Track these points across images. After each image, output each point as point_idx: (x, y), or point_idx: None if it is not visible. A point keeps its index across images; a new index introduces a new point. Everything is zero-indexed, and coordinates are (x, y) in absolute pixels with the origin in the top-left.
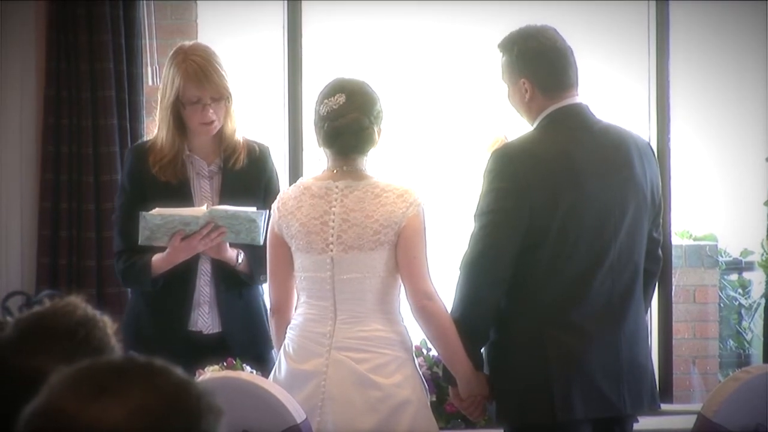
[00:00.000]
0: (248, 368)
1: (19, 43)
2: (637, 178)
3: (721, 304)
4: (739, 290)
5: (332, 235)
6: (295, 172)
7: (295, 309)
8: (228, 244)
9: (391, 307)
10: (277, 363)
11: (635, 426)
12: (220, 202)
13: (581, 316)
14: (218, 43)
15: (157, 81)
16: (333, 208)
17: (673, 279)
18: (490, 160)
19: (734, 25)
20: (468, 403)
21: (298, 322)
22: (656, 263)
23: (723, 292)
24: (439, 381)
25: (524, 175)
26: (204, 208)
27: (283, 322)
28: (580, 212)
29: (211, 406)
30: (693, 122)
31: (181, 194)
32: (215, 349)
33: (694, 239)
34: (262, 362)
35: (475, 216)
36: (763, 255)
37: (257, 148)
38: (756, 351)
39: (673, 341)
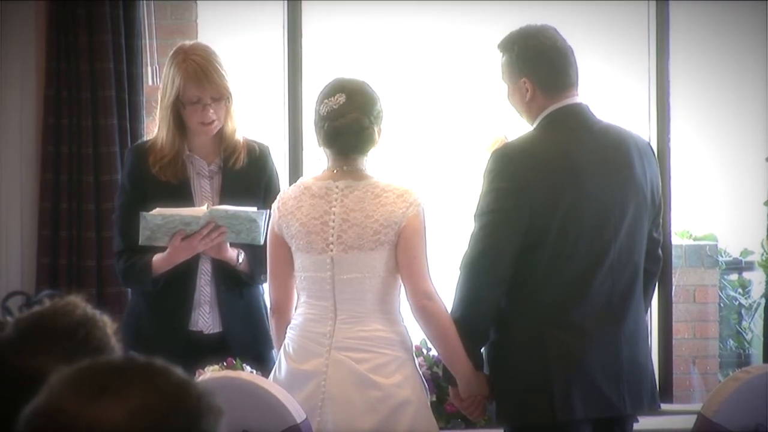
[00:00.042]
0: (248, 368)
1: (19, 43)
2: (637, 178)
3: (721, 304)
4: (739, 290)
5: (332, 235)
6: (295, 172)
7: (295, 309)
8: (228, 244)
9: (391, 307)
10: (277, 363)
11: (635, 426)
12: (221, 202)
13: (581, 316)
14: (218, 43)
15: (157, 81)
16: (333, 208)
17: (673, 279)
18: (490, 160)
19: (734, 25)
20: (468, 403)
21: (298, 322)
22: (656, 263)
23: (723, 292)
24: (439, 381)
25: (524, 175)
26: (204, 208)
27: (283, 322)
28: (580, 212)
29: (211, 406)
30: (693, 122)
31: (182, 194)
32: (216, 349)
33: (694, 239)
34: (263, 362)
35: (475, 216)
36: (763, 255)
37: (257, 148)
38: (756, 351)
39: (673, 341)
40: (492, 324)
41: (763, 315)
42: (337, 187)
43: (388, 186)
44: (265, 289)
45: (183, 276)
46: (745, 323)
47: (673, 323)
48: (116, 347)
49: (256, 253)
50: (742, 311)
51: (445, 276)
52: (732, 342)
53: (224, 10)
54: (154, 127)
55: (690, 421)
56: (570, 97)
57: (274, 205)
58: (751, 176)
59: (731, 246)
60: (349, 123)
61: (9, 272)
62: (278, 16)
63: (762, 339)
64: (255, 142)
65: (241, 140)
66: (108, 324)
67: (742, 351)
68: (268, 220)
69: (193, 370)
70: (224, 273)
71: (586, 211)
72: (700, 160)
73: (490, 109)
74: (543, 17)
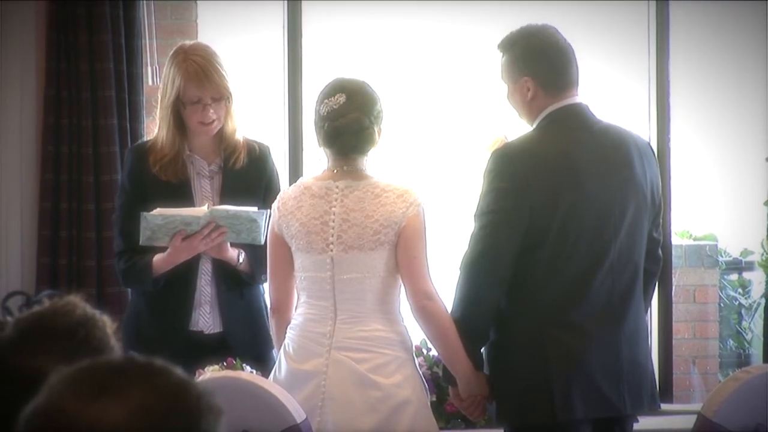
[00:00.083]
0: (248, 368)
1: (19, 43)
2: (637, 178)
3: (721, 304)
4: (739, 290)
5: (332, 235)
6: (295, 172)
7: (296, 309)
8: (229, 244)
9: (391, 307)
10: (277, 363)
11: (635, 426)
12: (221, 202)
13: (581, 316)
14: (218, 43)
15: (157, 81)
16: (333, 208)
17: (673, 279)
18: (490, 160)
19: (734, 25)
20: (468, 403)
21: (298, 322)
22: (656, 263)
23: (723, 292)
24: (439, 381)
25: (524, 175)
26: (205, 208)
27: (284, 322)
28: (580, 212)
29: (211, 406)
30: (693, 122)
31: (182, 194)
32: (216, 349)
33: (694, 239)
34: (263, 362)
35: (475, 216)
36: (763, 255)
37: (257, 148)
38: (756, 351)
39: (673, 341)
40: (492, 324)
41: (763, 315)
42: (337, 187)
43: (388, 186)
44: (266, 289)
45: (183, 276)
46: (745, 323)
47: (673, 323)
48: (116, 347)
49: (256, 253)
50: (742, 311)
51: (445, 276)
52: (732, 342)
53: (224, 10)
54: (154, 127)
55: (690, 421)
56: (570, 97)
57: (274, 205)
58: (751, 176)
59: (731, 246)
60: (349, 123)
61: (9, 272)
62: (278, 16)
63: (762, 339)
64: (255, 141)
65: (241, 140)
66: (108, 324)
67: (742, 351)
68: (269, 220)
69: (193, 370)
70: (225, 273)
71: (586, 211)
72: (700, 160)
73: (490, 109)
74: (543, 17)
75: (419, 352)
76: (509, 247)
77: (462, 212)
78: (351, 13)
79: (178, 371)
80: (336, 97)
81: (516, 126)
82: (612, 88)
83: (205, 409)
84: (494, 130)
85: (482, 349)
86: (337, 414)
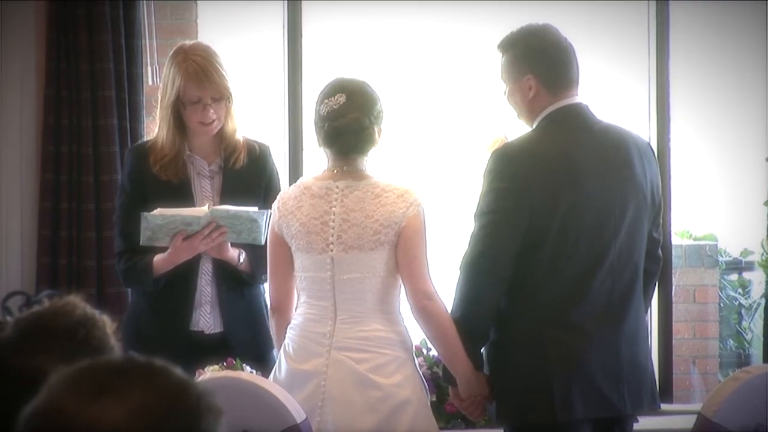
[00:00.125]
0: (248, 368)
1: (19, 43)
2: (637, 178)
3: (721, 304)
4: (739, 290)
5: (332, 235)
6: (295, 172)
7: (296, 309)
8: (229, 244)
9: (391, 307)
10: (277, 363)
11: (635, 426)
12: (221, 202)
13: (581, 316)
14: (218, 43)
15: (157, 81)
16: (333, 208)
17: (673, 279)
18: (490, 160)
19: (734, 25)
20: (468, 403)
21: (298, 322)
22: (656, 263)
23: (723, 292)
24: (439, 381)
25: (524, 175)
26: (205, 208)
27: (284, 321)
28: (580, 212)
29: (211, 406)
30: (693, 122)
31: (182, 194)
32: (217, 349)
33: (694, 239)
34: (264, 362)
35: (475, 216)
36: (763, 255)
37: (257, 148)
38: (756, 351)
39: (673, 341)
40: (492, 324)
41: (763, 315)
42: (337, 187)
43: (388, 186)
44: (266, 289)
45: (184, 276)
46: (745, 323)
47: (673, 323)
48: (116, 347)
49: (257, 253)
50: (742, 311)
51: (445, 276)
52: (732, 342)
53: (224, 10)
54: (154, 127)
55: (690, 421)
56: (571, 97)
57: (274, 205)
58: (751, 176)
59: (731, 246)
60: (349, 123)
61: (9, 272)
62: (278, 16)
63: (762, 339)
64: (255, 141)
65: (242, 140)
66: (108, 324)
67: (742, 351)
68: (269, 220)
69: (193, 370)
70: (225, 273)
71: (586, 211)
72: (700, 160)
73: (490, 109)
74: (543, 17)
75: (419, 352)
76: (509, 247)
77: (462, 212)
78: (351, 13)
79: (178, 371)
80: (336, 97)
81: (516, 126)
82: (612, 88)
83: (205, 409)
84: (494, 130)
85: (482, 349)
86: (337, 414)
